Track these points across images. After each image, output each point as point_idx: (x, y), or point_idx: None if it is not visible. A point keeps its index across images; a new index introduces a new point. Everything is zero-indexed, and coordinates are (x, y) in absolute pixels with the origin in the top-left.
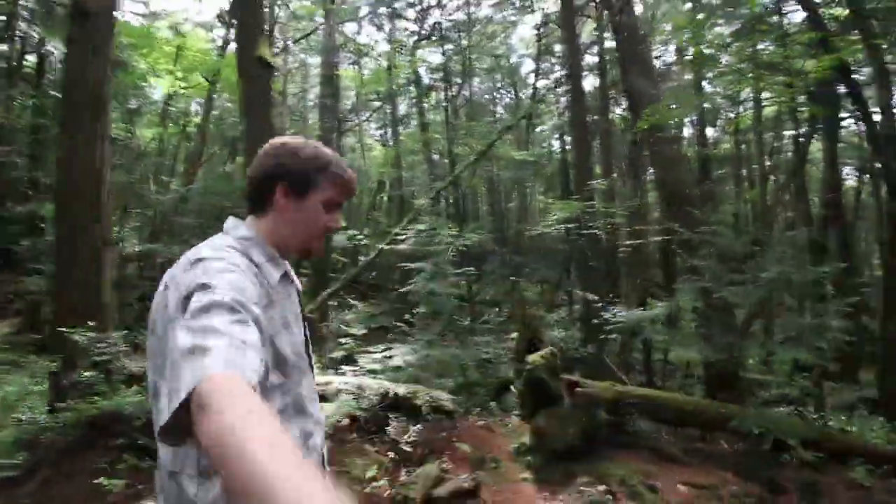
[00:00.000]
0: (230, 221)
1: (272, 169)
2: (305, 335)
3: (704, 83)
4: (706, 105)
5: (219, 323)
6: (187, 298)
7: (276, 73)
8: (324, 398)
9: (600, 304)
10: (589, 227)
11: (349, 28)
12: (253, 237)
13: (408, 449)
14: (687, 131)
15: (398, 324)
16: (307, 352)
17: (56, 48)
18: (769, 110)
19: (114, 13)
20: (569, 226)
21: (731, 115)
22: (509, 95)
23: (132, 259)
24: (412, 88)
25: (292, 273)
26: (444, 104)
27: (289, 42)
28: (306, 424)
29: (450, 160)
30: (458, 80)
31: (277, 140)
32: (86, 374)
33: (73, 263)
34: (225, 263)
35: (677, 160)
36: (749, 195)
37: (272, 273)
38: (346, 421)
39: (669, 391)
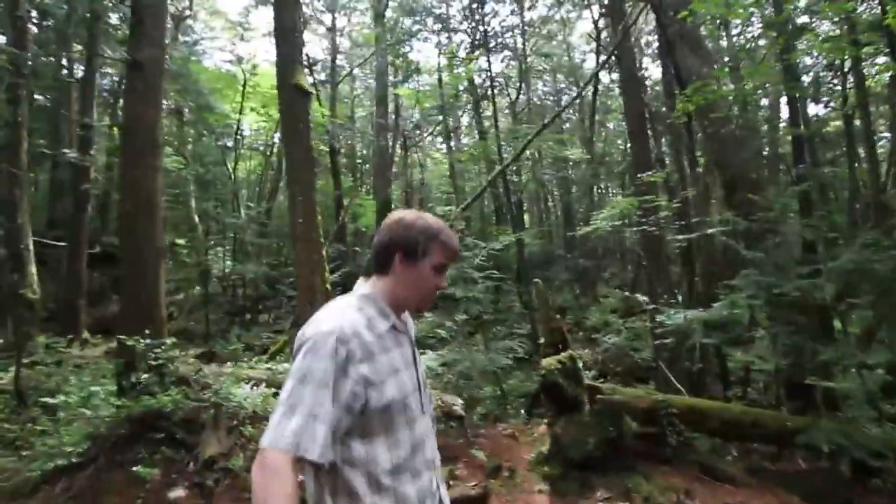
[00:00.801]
0: (358, 283)
1: (391, 240)
2: (418, 380)
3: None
4: (804, 78)
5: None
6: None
7: (311, 98)
8: None
9: (654, 307)
10: (640, 224)
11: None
12: (370, 295)
13: None
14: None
15: (438, 330)
16: (420, 396)
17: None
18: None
19: (163, 63)
20: (624, 223)
21: (838, 88)
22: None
23: (222, 278)
24: (466, 98)
25: (407, 326)
26: (505, 111)
27: (348, 67)
28: (418, 484)
29: (500, 165)
30: (516, 85)
31: (396, 214)
32: (143, 375)
33: (134, 278)
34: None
35: (739, 141)
36: (842, 176)
37: (380, 325)
38: None
39: (738, 402)
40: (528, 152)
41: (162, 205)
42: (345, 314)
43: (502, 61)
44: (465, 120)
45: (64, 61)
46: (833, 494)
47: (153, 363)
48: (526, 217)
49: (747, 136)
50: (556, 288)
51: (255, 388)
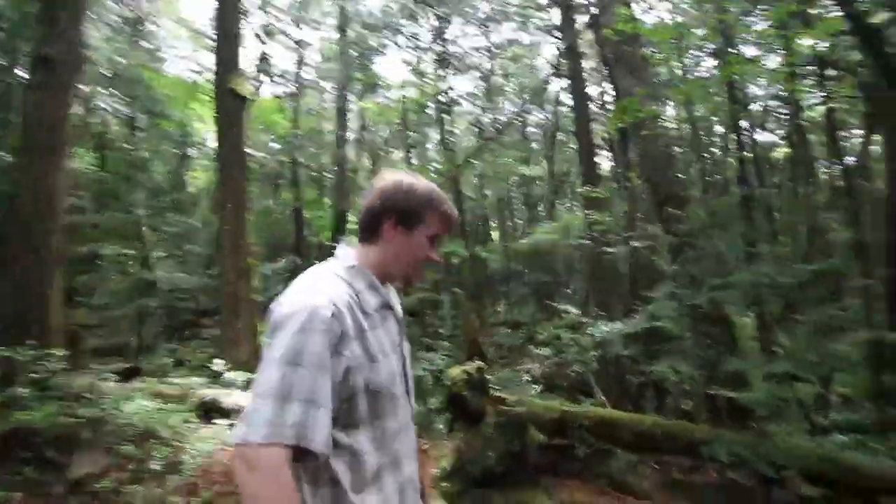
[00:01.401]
0: (341, 248)
1: (384, 204)
2: (404, 366)
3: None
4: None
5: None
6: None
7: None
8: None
9: (584, 321)
10: (585, 238)
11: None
12: (357, 265)
13: None
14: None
15: None
16: (406, 382)
17: None
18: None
19: (80, 61)
20: (577, 238)
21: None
22: (540, 114)
23: (169, 290)
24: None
25: (393, 302)
26: (472, 128)
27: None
28: (399, 475)
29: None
30: (482, 104)
31: (395, 176)
32: (21, 389)
33: (21, 283)
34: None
35: (670, 159)
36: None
37: (370, 300)
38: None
39: (672, 415)
40: (483, 168)
41: (62, 208)
42: (334, 286)
43: (469, 81)
44: (436, 135)
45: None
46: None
47: (35, 376)
48: (496, 234)
49: (678, 154)
50: (514, 303)
51: (156, 403)
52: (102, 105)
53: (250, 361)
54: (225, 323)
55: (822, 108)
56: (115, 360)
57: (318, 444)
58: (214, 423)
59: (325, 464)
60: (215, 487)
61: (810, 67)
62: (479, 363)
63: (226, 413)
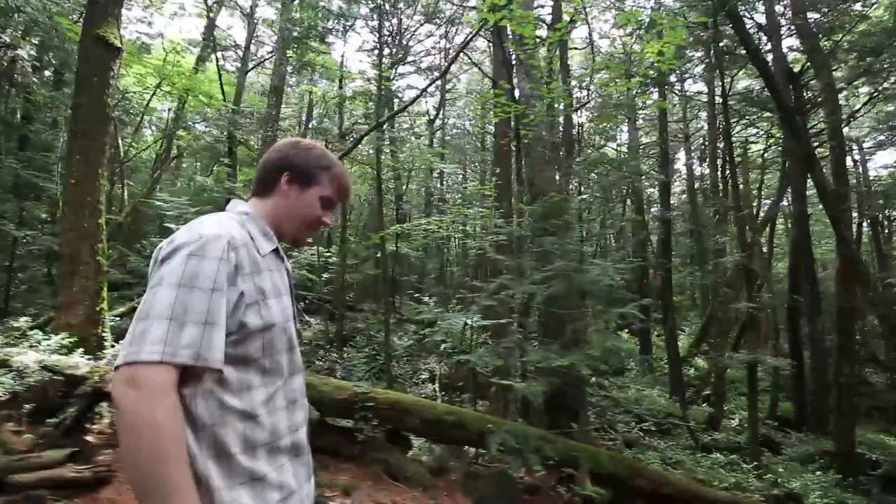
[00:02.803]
0: (232, 202)
1: (284, 158)
2: (295, 309)
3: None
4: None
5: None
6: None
7: (118, 56)
8: None
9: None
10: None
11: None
12: (251, 213)
13: None
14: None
15: None
16: (295, 327)
17: None
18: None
19: None
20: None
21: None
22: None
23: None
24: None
25: (283, 252)
26: (423, 127)
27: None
28: (295, 416)
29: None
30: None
31: (295, 138)
32: None
33: None
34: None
35: (548, 161)
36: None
37: (263, 245)
38: None
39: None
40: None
41: None
42: (227, 223)
43: (426, 79)
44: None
45: None
46: (504, 496)
47: None
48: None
49: (554, 157)
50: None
51: None
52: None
53: (83, 326)
54: (60, 284)
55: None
56: None
57: (214, 361)
58: None
59: (211, 399)
60: None
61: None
62: None
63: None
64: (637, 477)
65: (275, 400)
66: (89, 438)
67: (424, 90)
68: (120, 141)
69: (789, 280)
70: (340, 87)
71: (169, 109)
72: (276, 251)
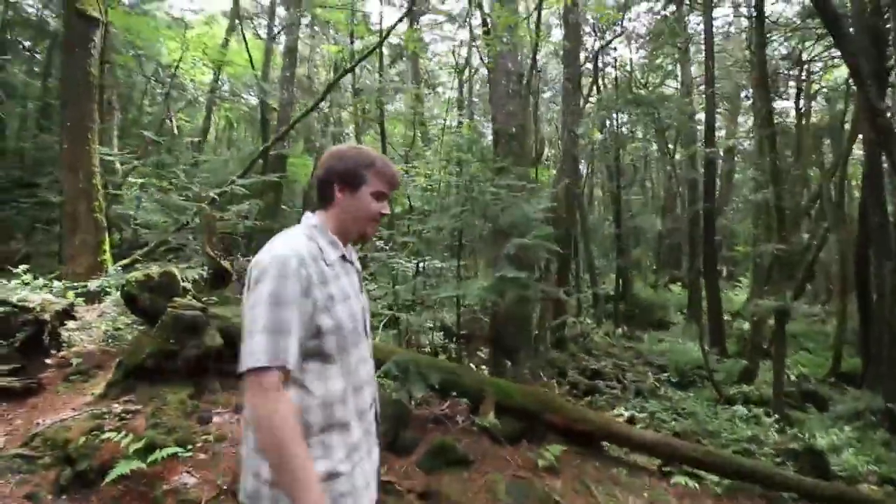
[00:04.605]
0: (305, 215)
1: (328, 171)
2: (364, 307)
3: None
4: None
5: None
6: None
7: (97, 26)
8: None
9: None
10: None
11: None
12: (318, 226)
13: None
14: None
15: None
16: (364, 321)
17: None
18: None
19: None
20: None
21: None
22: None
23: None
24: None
25: (352, 256)
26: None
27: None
28: (360, 400)
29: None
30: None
31: (333, 148)
32: None
33: None
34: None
35: (510, 96)
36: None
37: (330, 254)
38: None
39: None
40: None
41: None
42: (298, 242)
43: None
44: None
45: None
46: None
47: None
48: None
49: (517, 91)
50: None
51: None
52: None
53: (87, 275)
54: (64, 239)
55: None
56: None
57: (291, 364)
58: None
59: (295, 380)
60: None
61: None
62: (169, 270)
63: None
64: (549, 412)
65: (346, 386)
66: (49, 361)
67: (394, 25)
68: (173, 116)
69: (859, 223)
70: (352, 43)
71: (214, 80)
72: (343, 257)
